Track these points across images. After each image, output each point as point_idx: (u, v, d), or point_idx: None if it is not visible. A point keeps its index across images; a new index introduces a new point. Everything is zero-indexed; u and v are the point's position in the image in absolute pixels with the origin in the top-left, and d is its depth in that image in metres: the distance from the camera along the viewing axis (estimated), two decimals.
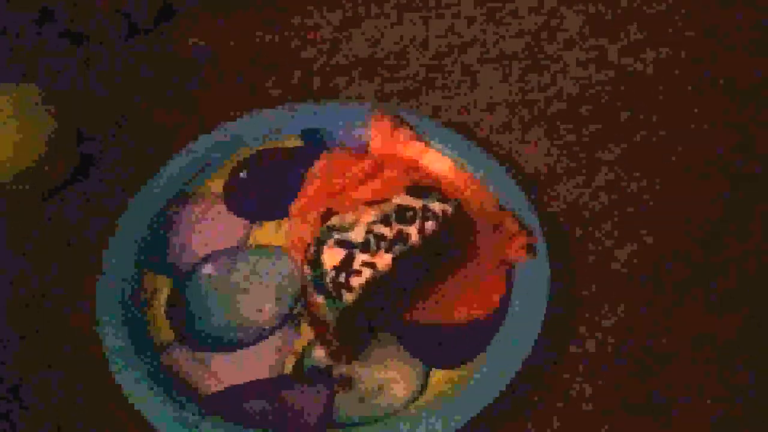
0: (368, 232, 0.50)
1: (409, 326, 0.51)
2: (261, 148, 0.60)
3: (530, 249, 0.53)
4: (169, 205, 0.57)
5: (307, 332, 0.51)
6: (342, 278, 0.48)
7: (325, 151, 0.60)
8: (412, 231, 0.50)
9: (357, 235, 0.50)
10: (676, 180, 0.58)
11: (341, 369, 0.50)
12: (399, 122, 0.59)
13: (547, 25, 0.67)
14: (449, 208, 0.51)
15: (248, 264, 0.54)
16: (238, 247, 0.55)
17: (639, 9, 0.69)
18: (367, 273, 0.48)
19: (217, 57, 0.66)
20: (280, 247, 0.55)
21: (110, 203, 0.58)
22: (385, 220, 0.50)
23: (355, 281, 0.48)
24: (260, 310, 0.52)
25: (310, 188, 0.57)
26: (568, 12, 0.68)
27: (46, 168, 0.55)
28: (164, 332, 0.52)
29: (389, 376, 0.50)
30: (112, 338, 0.50)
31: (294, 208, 0.57)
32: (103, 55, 0.66)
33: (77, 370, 0.51)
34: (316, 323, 0.50)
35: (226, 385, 0.49)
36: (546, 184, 0.58)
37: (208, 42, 0.67)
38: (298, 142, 0.60)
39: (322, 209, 0.56)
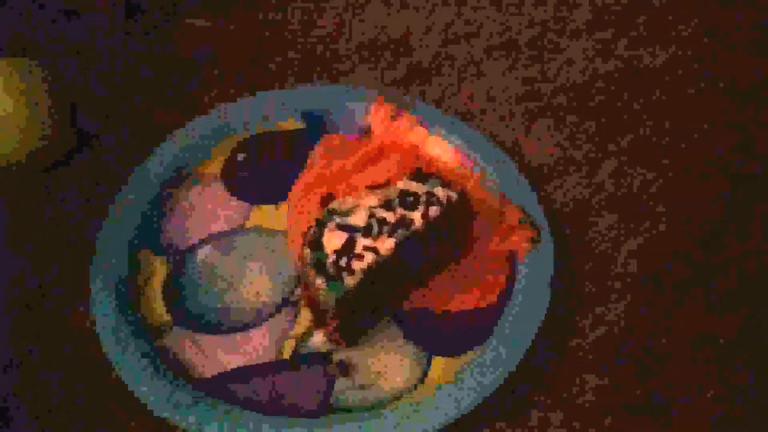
0: (370, 216, 0.49)
1: (410, 313, 0.51)
2: (261, 131, 0.59)
3: (533, 241, 0.52)
4: (166, 185, 0.56)
5: (305, 317, 0.50)
6: (343, 262, 0.47)
7: (325, 135, 0.59)
8: (416, 216, 0.49)
9: (358, 219, 0.49)
10: (678, 178, 0.58)
11: (340, 355, 0.49)
12: (402, 108, 0.58)
13: (555, 16, 0.67)
14: (454, 195, 0.50)
15: (246, 247, 0.54)
16: (236, 229, 0.54)
17: (647, 3, 0.68)
18: (369, 257, 0.47)
19: (218, 35, 0.65)
20: (278, 230, 0.54)
21: (107, 182, 0.57)
22: (388, 205, 0.49)
23: (357, 265, 0.47)
24: (258, 294, 0.52)
25: (310, 172, 0.57)
26: (575, 4, 0.68)
27: (42, 144, 0.54)
28: (160, 314, 0.51)
29: (389, 363, 0.49)
30: (106, 318, 0.49)
31: (293, 191, 0.56)
32: (102, 32, 0.65)
33: (75, 354, 0.50)
34: (315, 307, 0.49)
35: (222, 369, 0.48)
36: (549, 177, 0.57)
37: (209, 20, 0.66)
38: (299, 125, 0.59)
39: (321, 193, 0.55)
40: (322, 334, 0.50)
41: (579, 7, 0.68)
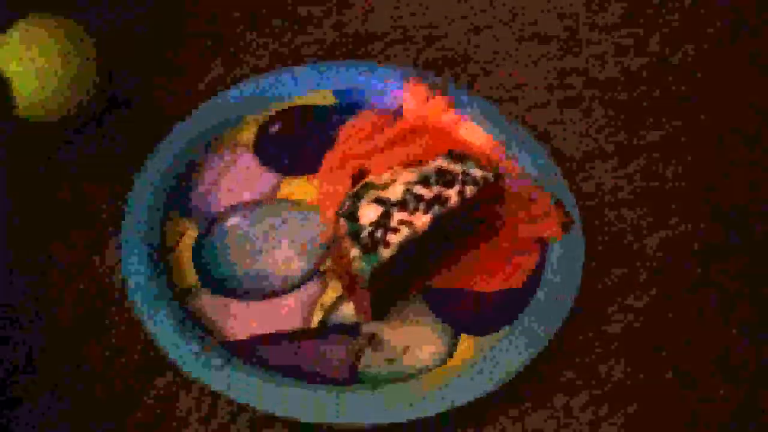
0: (406, 191, 0.49)
1: (439, 291, 0.51)
2: (295, 104, 0.59)
3: (565, 226, 0.53)
4: (197, 150, 0.56)
5: (334, 288, 0.51)
6: (379, 234, 0.47)
7: (359, 111, 0.59)
8: (452, 194, 0.49)
9: (394, 194, 0.49)
10: (707, 175, 0.58)
11: (368, 327, 0.49)
12: (436, 89, 0.59)
13: (586, 11, 0.67)
14: (490, 176, 0.50)
15: (277, 216, 0.54)
16: (266, 199, 0.54)
17: (681, 7, 0.69)
18: (404, 231, 0.47)
19: (257, 4, 0.65)
20: (309, 202, 0.54)
21: (140, 145, 0.57)
22: (425, 181, 0.50)
23: (392, 238, 0.47)
24: (287, 263, 0.52)
25: (342, 147, 0.57)
26: (606, 3, 0.68)
27: (78, 102, 0.54)
28: (189, 277, 0.51)
29: (416, 339, 0.49)
30: (137, 278, 0.49)
31: (325, 165, 0.56)
32: None
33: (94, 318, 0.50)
34: (346, 279, 0.49)
35: (250, 334, 0.48)
36: (580, 166, 0.58)
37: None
38: (332, 101, 0.59)
39: (353, 168, 0.55)
40: (351, 306, 0.50)
41: (611, 2, 0.68)
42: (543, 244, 0.53)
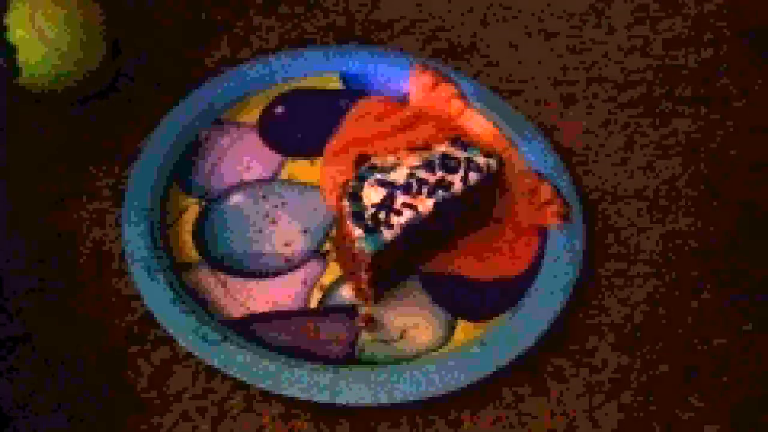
0: (410, 175, 0.49)
1: (439, 277, 0.51)
2: (301, 86, 0.59)
3: (564, 217, 0.53)
4: (201, 127, 0.56)
5: (334, 270, 0.51)
6: (382, 216, 0.47)
7: (364, 96, 0.59)
8: (455, 180, 0.49)
9: (398, 177, 0.49)
10: (707, 175, 0.58)
11: (366, 310, 0.49)
12: (442, 78, 0.59)
13: (595, 10, 0.67)
14: (493, 163, 0.50)
15: (279, 196, 0.54)
16: (270, 179, 0.54)
17: (686, 7, 0.69)
18: (407, 214, 0.47)
19: None
20: (311, 184, 0.54)
21: (144, 119, 0.56)
22: (429, 166, 0.50)
23: (395, 220, 0.47)
24: (288, 243, 0.52)
25: (347, 131, 0.57)
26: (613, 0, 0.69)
27: (82, 72, 0.54)
28: (189, 252, 0.51)
29: (414, 323, 0.49)
30: (137, 251, 0.49)
31: (329, 148, 0.56)
32: None
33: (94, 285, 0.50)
34: (347, 260, 0.49)
35: (249, 311, 0.48)
36: (580, 161, 0.58)
37: None
38: (338, 85, 0.59)
39: (356, 153, 0.55)
40: (350, 288, 0.50)
41: (617, 3, 0.68)
42: (543, 233, 0.53)
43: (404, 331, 0.49)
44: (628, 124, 0.60)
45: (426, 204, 0.48)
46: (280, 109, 0.58)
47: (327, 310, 0.49)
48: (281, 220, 0.53)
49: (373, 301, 0.49)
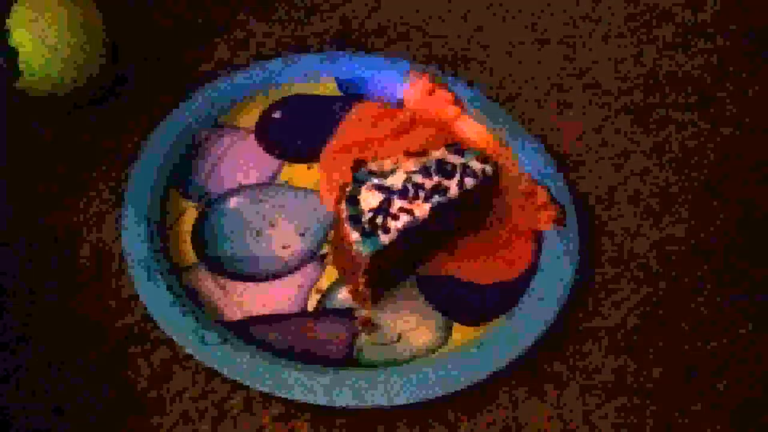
0: (407, 180, 0.50)
1: (435, 280, 0.51)
2: (297, 93, 0.59)
3: (560, 221, 0.53)
4: (199, 130, 0.56)
5: (331, 273, 0.51)
6: (379, 220, 0.48)
7: (361, 102, 0.59)
8: (452, 185, 0.50)
9: (396, 181, 0.50)
10: (701, 181, 0.59)
11: (364, 312, 0.50)
12: (438, 83, 0.59)
13: (589, 18, 0.68)
14: (489, 169, 0.51)
15: (276, 200, 0.54)
16: (267, 183, 0.55)
17: (678, 14, 0.70)
18: (405, 218, 0.48)
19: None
20: (309, 188, 0.55)
21: (143, 122, 0.57)
22: (425, 171, 0.50)
23: (393, 224, 0.48)
24: (285, 246, 0.52)
25: (343, 136, 0.57)
26: (607, 8, 0.69)
27: (82, 75, 0.54)
28: (188, 255, 0.51)
29: (411, 326, 0.49)
30: (136, 254, 0.49)
31: (326, 152, 0.56)
32: None
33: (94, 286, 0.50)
34: (344, 264, 0.50)
35: (247, 314, 0.49)
36: (575, 167, 0.59)
37: None
38: (335, 91, 0.60)
39: (353, 157, 0.56)
40: (347, 291, 0.50)
41: (611, 12, 0.69)
42: (538, 237, 0.53)
43: (402, 333, 0.49)
44: (623, 129, 0.61)
45: (423, 209, 0.49)
46: (277, 114, 0.58)
47: (325, 312, 0.49)
48: (279, 223, 0.53)
49: (371, 304, 0.50)
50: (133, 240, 0.50)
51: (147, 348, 0.47)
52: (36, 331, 0.47)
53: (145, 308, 0.48)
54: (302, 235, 0.53)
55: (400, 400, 0.45)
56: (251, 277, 0.50)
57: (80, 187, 0.54)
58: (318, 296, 0.50)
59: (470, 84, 0.62)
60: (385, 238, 0.47)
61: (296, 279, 0.51)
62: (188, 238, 0.52)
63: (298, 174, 0.56)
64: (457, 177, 0.50)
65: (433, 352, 0.48)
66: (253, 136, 0.57)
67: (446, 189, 0.50)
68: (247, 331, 0.48)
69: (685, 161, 0.60)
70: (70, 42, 0.53)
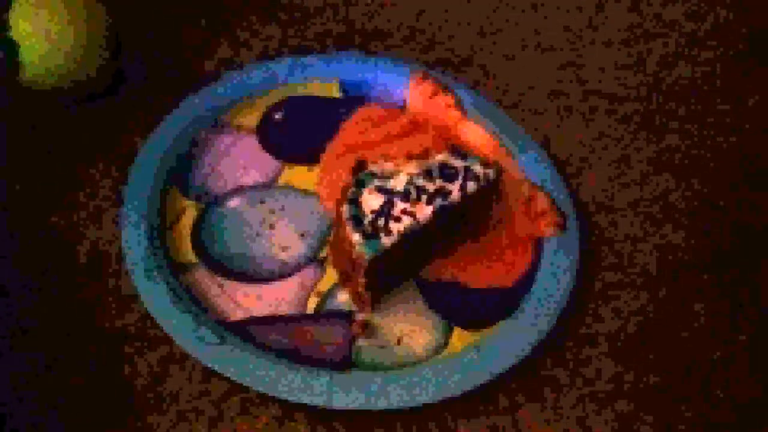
0: (409, 182, 0.50)
1: (435, 285, 0.51)
2: (299, 94, 0.59)
3: (559, 227, 0.53)
4: (201, 130, 0.56)
5: (331, 275, 0.51)
6: (381, 222, 0.48)
7: (363, 104, 0.59)
8: (454, 188, 0.50)
9: (397, 184, 0.49)
10: (701, 188, 0.59)
11: (362, 316, 0.50)
12: (441, 87, 0.59)
13: (591, 26, 0.68)
14: (491, 173, 0.51)
15: (277, 202, 0.54)
16: (267, 184, 0.55)
17: (681, 24, 0.70)
18: (406, 221, 0.48)
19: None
20: (309, 190, 0.55)
21: (141, 123, 0.57)
22: (427, 175, 0.50)
23: (395, 227, 0.48)
24: (285, 248, 0.52)
25: (345, 138, 0.57)
26: (609, 16, 0.69)
27: (83, 71, 0.54)
28: (187, 254, 0.51)
29: (410, 329, 0.49)
30: (136, 251, 0.49)
31: (327, 155, 0.56)
32: None
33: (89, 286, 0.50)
34: (344, 266, 0.49)
35: (246, 315, 0.49)
36: (575, 173, 0.59)
37: None
38: (337, 92, 0.60)
39: (354, 160, 0.56)
40: (347, 293, 0.50)
41: (613, 20, 0.69)
42: (538, 243, 0.53)
43: (401, 337, 0.49)
44: (624, 136, 0.61)
45: (424, 212, 0.48)
46: (278, 115, 0.58)
47: (324, 314, 0.49)
48: (279, 225, 0.53)
49: (371, 307, 0.50)
50: (133, 239, 0.49)
51: (145, 347, 0.47)
52: (34, 329, 0.47)
53: (144, 307, 0.48)
54: (302, 236, 0.52)
55: (399, 404, 0.45)
56: (251, 278, 0.50)
57: (80, 185, 0.53)
58: (317, 299, 0.50)
59: (472, 88, 0.62)
60: (386, 241, 0.47)
61: (296, 280, 0.51)
62: (188, 238, 0.51)
63: (299, 176, 0.55)
64: (460, 180, 0.50)
65: (432, 356, 0.48)
66: (254, 136, 0.57)
67: (448, 192, 0.50)
68: (246, 332, 0.48)
69: (686, 169, 0.60)
70: (72, 37, 0.52)
